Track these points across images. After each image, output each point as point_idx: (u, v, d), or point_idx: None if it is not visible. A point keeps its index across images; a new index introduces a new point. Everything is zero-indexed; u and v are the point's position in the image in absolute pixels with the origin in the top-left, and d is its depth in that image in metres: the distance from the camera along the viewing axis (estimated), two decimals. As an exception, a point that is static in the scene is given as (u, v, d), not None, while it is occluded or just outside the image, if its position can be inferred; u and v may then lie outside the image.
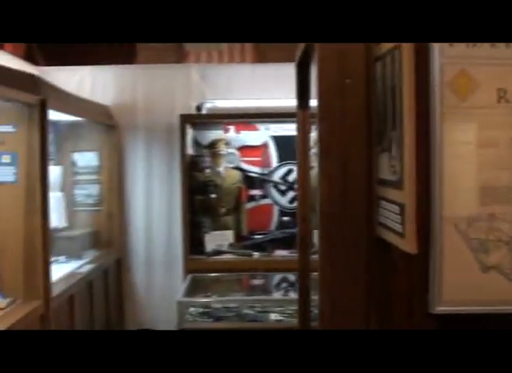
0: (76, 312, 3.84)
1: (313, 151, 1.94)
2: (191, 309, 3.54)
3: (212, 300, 3.69)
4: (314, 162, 1.64)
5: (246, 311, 3.46)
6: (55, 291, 3.58)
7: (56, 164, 4.98)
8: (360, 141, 1.44)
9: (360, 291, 1.45)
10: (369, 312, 1.47)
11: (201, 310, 3.53)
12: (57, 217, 4.73)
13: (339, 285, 1.45)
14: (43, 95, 3.35)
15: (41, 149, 3.33)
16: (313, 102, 1.57)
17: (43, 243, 3.35)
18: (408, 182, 1.27)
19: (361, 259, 1.45)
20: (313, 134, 1.74)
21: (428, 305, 1.29)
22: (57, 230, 4.69)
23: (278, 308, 3.53)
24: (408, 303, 1.34)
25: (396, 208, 1.33)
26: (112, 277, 4.88)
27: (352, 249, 1.45)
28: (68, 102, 3.92)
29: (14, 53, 4.80)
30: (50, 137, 4.88)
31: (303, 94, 2.29)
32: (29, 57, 5.21)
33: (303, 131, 2.29)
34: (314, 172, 1.61)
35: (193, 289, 3.89)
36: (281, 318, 3.43)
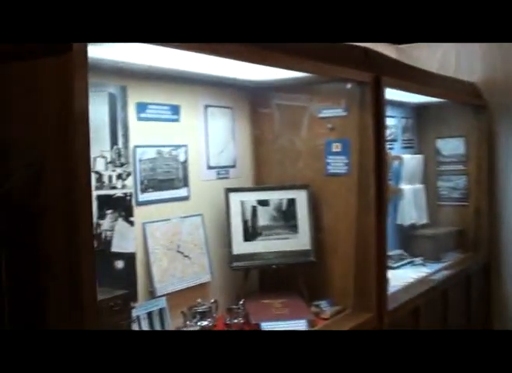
0: (422, 328, 3.24)
1: None
2: None
3: None
4: None
5: None
6: (397, 300, 3.06)
7: (417, 152, 4.50)
8: None
9: None
10: None
11: None
12: (416, 213, 4.24)
13: None
14: (377, 72, 2.84)
15: (376, 134, 2.83)
16: None
17: (378, 245, 2.86)
18: None
19: None
20: None
21: None
22: (415, 227, 4.21)
23: None
24: None
25: None
26: (476, 286, 4.09)
27: None
28: (412, 79, 3.31)
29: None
30: (410, 122, 4.45)
31: None
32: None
33: None
34: None
35: None
36: None
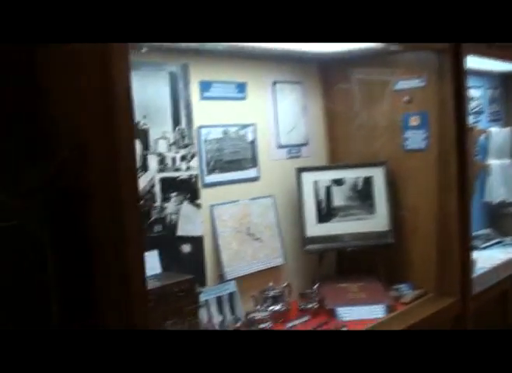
0: (510, 314, 3.03)
1: None
2: None
3: None
4: None
5: None
6: (483, 283, 2.88)
7: (506, 125, 4.21)
8: None
9: None
10: None
11: None
12: (505, 190, 3.99)
13: None
14: (458, 38, 2.63)
15: (456, 106, 2.63)
16: None
17: (462, 224, 2.67)
18: None
19: None
20: None
21: None
22: (505, 205, 3.96)
23: None
24: None
25: None
26: None
27: None
28: (497, 45, 3.06)
29: None
30: (497, 92, 4.17)
31: None
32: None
33: None
34: None
35: None
36: None
